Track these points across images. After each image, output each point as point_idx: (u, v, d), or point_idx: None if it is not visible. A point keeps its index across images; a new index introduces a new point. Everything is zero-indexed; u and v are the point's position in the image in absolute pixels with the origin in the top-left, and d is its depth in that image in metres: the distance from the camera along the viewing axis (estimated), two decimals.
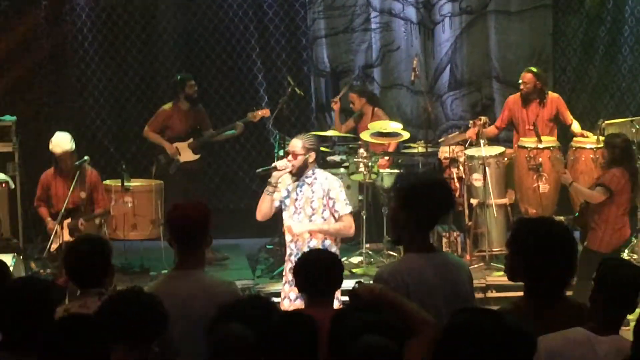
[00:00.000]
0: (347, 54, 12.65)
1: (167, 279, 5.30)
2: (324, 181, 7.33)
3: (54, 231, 9.19)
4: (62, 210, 9.18)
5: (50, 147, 9.60)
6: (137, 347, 3.99)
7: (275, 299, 7.72)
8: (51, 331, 3.64)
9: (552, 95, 10.88)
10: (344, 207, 7.32)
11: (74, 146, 9.58)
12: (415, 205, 4.64)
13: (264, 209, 7.42)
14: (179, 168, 10.89)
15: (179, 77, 11.14)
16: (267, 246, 11.13)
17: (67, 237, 9.27)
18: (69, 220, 9.40)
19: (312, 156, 7.33)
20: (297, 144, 7.34)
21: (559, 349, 3.75)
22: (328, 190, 7.29)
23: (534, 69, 10.81)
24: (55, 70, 12.18)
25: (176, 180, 10.85)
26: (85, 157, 9.50)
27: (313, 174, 7.36)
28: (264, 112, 11.09)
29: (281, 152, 10.82)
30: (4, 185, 10.60)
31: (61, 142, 9.55)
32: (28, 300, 4.19)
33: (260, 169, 7.74)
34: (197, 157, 11.02)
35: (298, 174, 7.34)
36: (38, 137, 11.60)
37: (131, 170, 10.59)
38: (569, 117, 10.78)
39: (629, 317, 4.08)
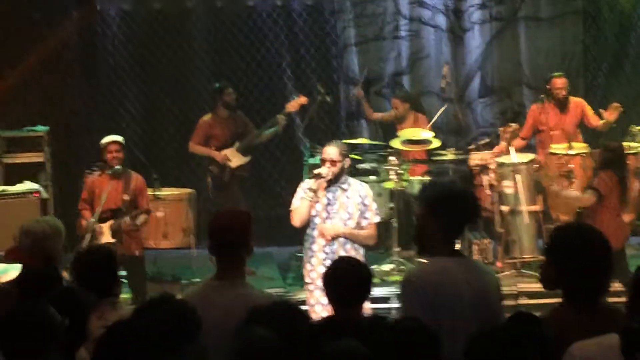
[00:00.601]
0: (377, 62, 12.65)
1: (207, 288, 5.08)
2: (360, 188, 7.55)
3: (90, 230, 9.18)
4: (100, 207, 9.20)
5: (102, 141, 9.59)
6: (169, 353, 4.00)
7: (306, 307, 7.76)
8: (103, 347, 3.65)
9: (575, 99, 10.88)
10: (375, 216, 7.56)
11: (123, 143, 9.60)
12: (442, 213, 4.65)
13: (304, 215, 7.50)
14: (233, 175, 10.90)
15: (217, 85, 11.19)
16: (297, 254, 11.12)
17: (109, 238, 9.29)
18: (111, 222, 9.42)
19: (347, 162, 7.53)
20: (333, 151, 7.49)
21: (593, 355, 3.73)
22: (365, 197, 7.49)
23: (564, 74, 10.85)
24: (87, 81, 12.26)
25: (234, 189, 10.86)
26: (118, 167, 9.48)
27: (346, 180, 7.52)
28: (302, 100, 11.08)
29: (311, 160, 10.84)
30: (36, 194, 10.65)
31: (113, 135, 9.62)
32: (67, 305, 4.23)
33: (308, 176, 7.78)
34: (247, 159, 11.02)
35: (334, 180, 7.46)
36: (70, 148, 11.68)
37: (162, 180, 10.61)
38: (593, 119, 10.75)
39: None
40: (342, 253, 7.31)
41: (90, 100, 12.24)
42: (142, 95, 12.47)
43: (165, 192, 10.59)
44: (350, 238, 7.48)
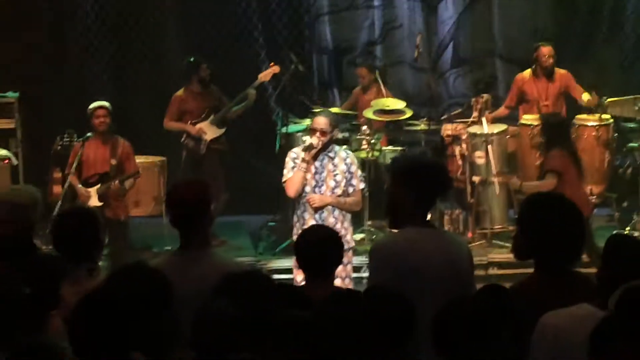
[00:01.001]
0: (350, 31, 12.62)
1: (174, 259, 4.98)
2: (345, 156, 7.71)
3: (63, 191, 9.20)
4: (71, 172, 9.23)
5: (89, 107, 9.60)
6: (146, 320, 3.98)
7: (277, 276, 7.85)
8: (79, 315, 3.63)
9: (560, 70, 10.90)
10: (360, 183, 7.76)
11: (110, 108, 9.62)
12: (413, 185, 4.66)
13: (298, 185, 7.61)
14: (209, 148, 10.79)
15: (191, 59, 10.95)
16: (269, 223, 11.13)
17: (96, 202, 9.32)
18: (99, 186, 9.46)
19: (336, 132, 7.76)
20: (323, 121, 7.64)
21: (565, 326, 3.76)
22: (350, 165, 7.65)
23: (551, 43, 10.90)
24: (58, 48, 12.13)
25: (211, 162, 10.77)
26: (89, 134, 9.50)
27: (332, 148, 7.69)
28: (274, 69, 11.03)
29: (284, 130, 10.82)
30: (6, 161, 10.60)
31: (101, 101, 9.67)
32: (35, 273, 4.21)
33: (303, 147, 7.78)
34: (222, 131, 10.89)
35: (323, 150, 7.61)
36: (41, 114, 11.60)
37: (134, 148, 10.54)
38: (579, 91, 10.79)
39: None
40: (332, 220, 7.55)
41: (61, 66, 12.12)
42: (113, 62, 12.35)
43: (136, 159, 10.53)
44: (338, 206, 7.64)
